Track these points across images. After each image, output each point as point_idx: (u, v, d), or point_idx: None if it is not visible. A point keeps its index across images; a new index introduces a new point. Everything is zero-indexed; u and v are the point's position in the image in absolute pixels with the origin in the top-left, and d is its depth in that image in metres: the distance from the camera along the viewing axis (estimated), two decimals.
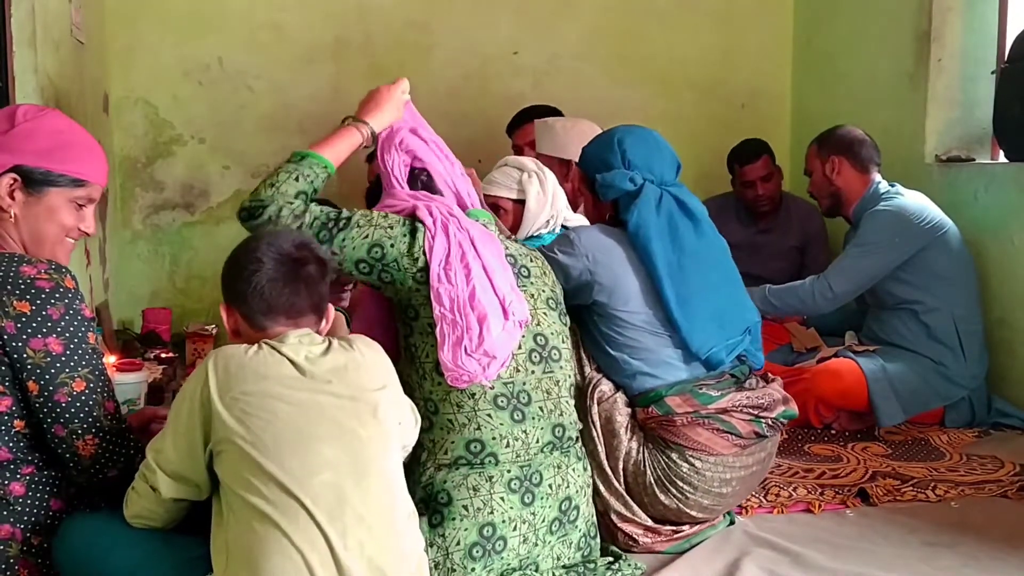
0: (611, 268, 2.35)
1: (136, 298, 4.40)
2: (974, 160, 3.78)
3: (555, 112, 3.96)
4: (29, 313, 1.73)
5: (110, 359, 3.20)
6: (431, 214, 2.09)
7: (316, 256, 1.80)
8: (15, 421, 1.77)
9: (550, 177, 2.84)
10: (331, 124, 4.78)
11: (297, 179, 2.07)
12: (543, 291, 2.20)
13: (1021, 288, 3.40)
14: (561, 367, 2.16)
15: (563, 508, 2.09)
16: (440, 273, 2.01)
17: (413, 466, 2.04)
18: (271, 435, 1.61)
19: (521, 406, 2.06)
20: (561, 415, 2.13)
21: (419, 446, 2.01)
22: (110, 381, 1.86)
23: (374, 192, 3.78)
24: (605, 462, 2.30)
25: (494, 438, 2.01)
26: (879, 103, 4.15)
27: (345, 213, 2.08)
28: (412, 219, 2.11)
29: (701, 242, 2.42)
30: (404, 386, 1.98)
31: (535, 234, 2.82)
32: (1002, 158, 3.67)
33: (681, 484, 2.29)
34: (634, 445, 2.32)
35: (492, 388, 2.03)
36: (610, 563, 2.17)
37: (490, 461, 2.01)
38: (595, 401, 2.33)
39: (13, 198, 1.82)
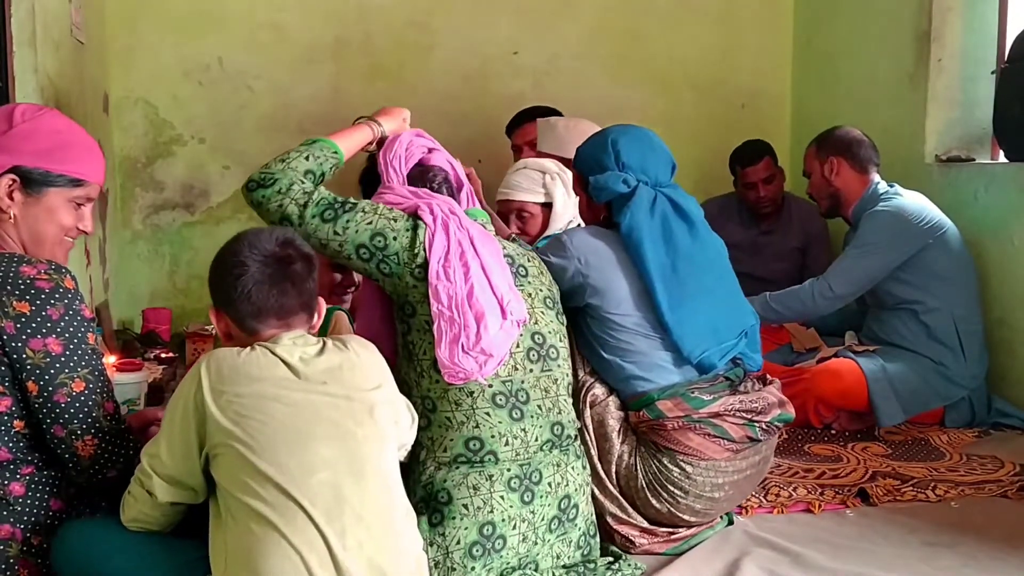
0: (603, 271, 2.34)
1: (136, 298, 4.40)
2: (974, 160, 3.78)
3: (555, 112, 3.96)
4: (29, 313, 1.74)
5: (110, 359, 3.20)
6: (432, 212, 2.10)
7: (301, 253, 1.78)
8: (15, 421, 1.77)
9: (569, 176, 2.84)
10: (331, 124, 4.78)
11: (307, 158, 2.11)
12: (540, 290, 2.21)
13: (1021, 288, 3.40)
14: (559, 365, 2.16)
15: (562, 506, 2.09)
16: (439, 270, 2.02)
17: (412, 465, 2.04)
18: (267, 436, 1.61)
19: (520, 404, 2.06)
20: (560, 413, 2.13)
21: (418, 444, 2.02)
22: (109, 382, 1.86)
23: (369, 177, 3.80)
24: (599, 465, 2.30)
25: (493, 436, 2.01)
26: (879, 103, 4.15)
27: (352, 199, 2.09)
28: (414, 216, 2.12)
29: (696, 244, 2.41)
30: (402, 384, 1.99)
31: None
32: (1002, 158, 3.66)
33: (672, 489, 2.28)
34: (626, 449, 2.32)
35: (490, 386, 2.03)
36: (610, 563, 2.17)
37: (490, 459, 2.01)
38: (588, 404, 2.33)
39: (12, 199, 1.82)
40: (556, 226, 2.87)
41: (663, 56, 4.75)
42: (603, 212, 2.48)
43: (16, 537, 1.76)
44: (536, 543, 2.04)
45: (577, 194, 2.61)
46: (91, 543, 1.74)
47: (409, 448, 1.95)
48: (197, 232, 4.50)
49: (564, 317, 2.27)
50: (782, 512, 2.58)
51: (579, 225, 2.83)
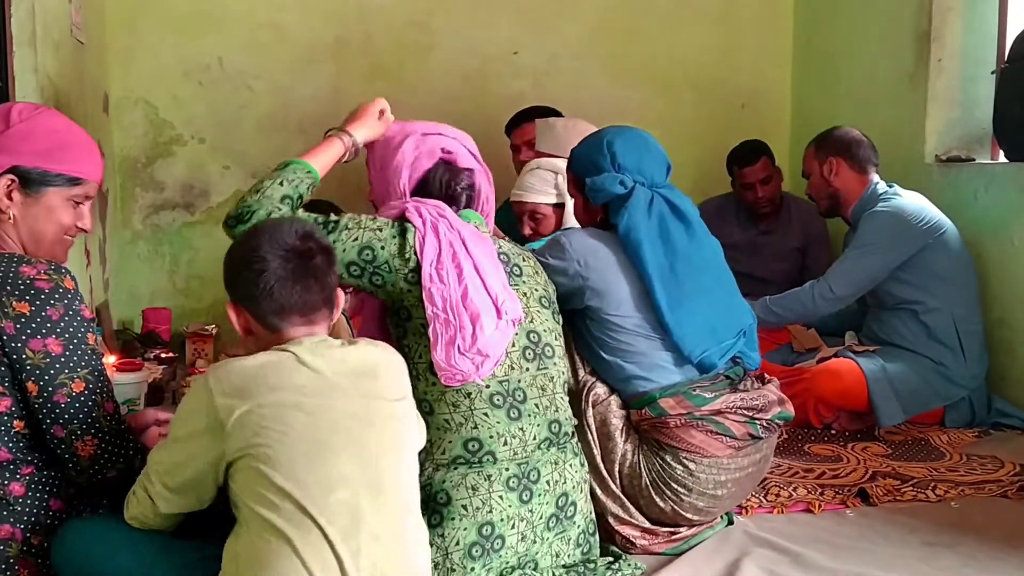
0: (602, 272, 2.34)
1: (136, 298, 4.40)
2: (974, 160, 3.78)
3: (555, 112, 3.97)
4: (28, 314, 1.73)
5: (110, 359, 3.20)
6: (420, 215, 2.09)
7: (321, 246, 1.74)
8: (15, 421, 1.77)
9: None
10: (331, 124, 4.78)
11: (282, 183, 2.12)
12: (536, 289, 2.20)
13: (1021, 288, 3.40)
14: (555, 363, 2.16)
15: (560, 504, 2.09)
16: (432, 273, 2.01)
17: None
18: (286, 450, 1.56)
19: (517, 404, 2.06)
20: (557, 411, 2.13)
21: None
22: (109, 382, 1.86)
23: None
24: (601, 465, 2.30)
25: (491, 436, 2.01)
26: (879, 103, 4.15)
27: (333, 217, 2.08)
28: (401, 220, 2.11)
29: (693, 244, 2.41)
30: None
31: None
32: (1002, 158, 3.66)
33: (676, 486, 2.28)
34: (629, 448, 2.32)
35: (488, 387, 2.03)
36: (610, 563, 2.17)
37: (488, 460, 2.01)
38: (590, 404, 2.33)
39: (11, 199, 1.82)
40: (570, 225, 2.87)
41: (663, 56, 4.75)
42: (599, 214, 2.48)
43: (16, 537, 1.76)
44: (535, 542, 2.04)
45: (572, 196, 2.60)
46: (92, 542, 1.73)
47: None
48: (197, 232, 4.50)
49: (560, 316, 2.27)
50: (782, 512, 2.58)
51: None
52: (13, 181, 1.82)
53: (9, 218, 1.83)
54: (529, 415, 2.07)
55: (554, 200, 2.91)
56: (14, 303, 1.73)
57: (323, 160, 2.23)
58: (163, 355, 3.82)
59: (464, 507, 1.97)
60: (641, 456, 2.31)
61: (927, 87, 3.85)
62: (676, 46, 4.76)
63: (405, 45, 4.53)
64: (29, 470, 1.79)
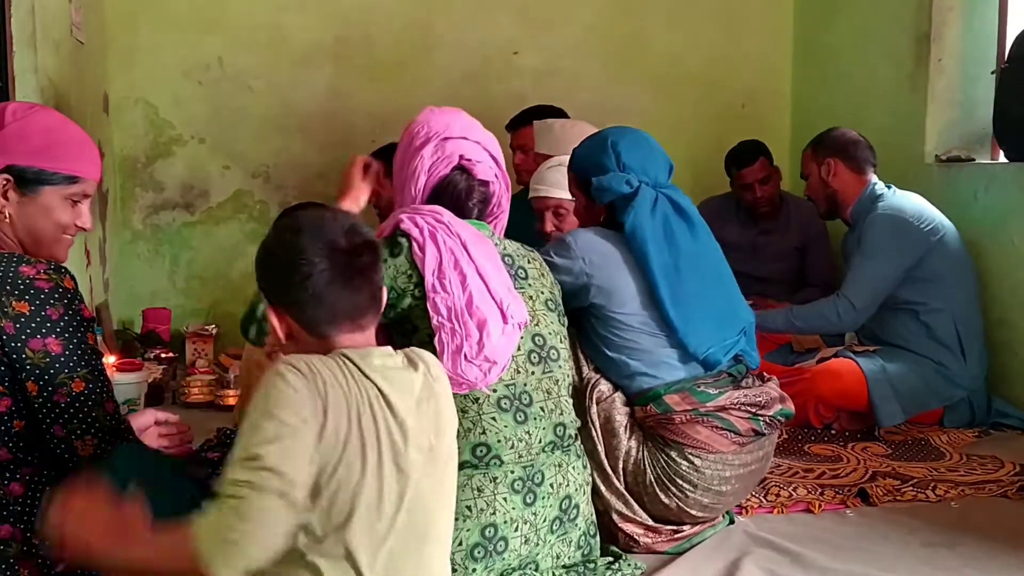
0: (607, 271, 2.35)
1: (136, 298, 4.40)
2: (974, 160, 3.77)
3: (558, 111, 3.96)
4: (28, 313, 1.73)
5: (110, 359, 3.21)
6: (416, 224, 2.04)
7: (367, 240, 1.56)
8: (15, 421, 1.77)
9: None
10: (331, 124, 4.82)
11: None
12: (542, 292, 2.19)
13: (1021, 288, 3.40)
14: (560, 366, 2.16)
15: (564, 507, 2.08)
16: (435, 283, 1.97)
17: None
18: (348, 494, 1.42)
19: (523, 407, 2.05)
20: (562, 414, 2.13)
21: None
22: (109, 381, 1.85)
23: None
24: (605, 462, 2.30)
25: (499, 441, 2.00)
26: (879, 103, 4.15)
27: None
28: (394, 235, 2.07)
29: (696, 243, 2.42)
30: None
31: None
32: (1002, 158, 3.66)
33: (681, 483, 2.29)
34: (633, 444, 2.32)
35: (495, 391, 2.01)
36: (610, 563, 2.17)
37: (495, 463, 2.00)
38: (594, 401, 2.33)
39: (7, 198, 1.82)
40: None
41: (663, 56, 4.75)
42: (602, 214, 2.48)
43: (16, 537, 1.75)
44: (537, 544, 2.04)
45: (573, 195, 2.60)
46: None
47: None
48: (197, 232, 4.50)
49: (565, 319, 2.26)
50: (782, 512, 2.58)
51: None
52: (8, 181, 1.81)
53: (6, 218, 1.82)
54: (535, 418, 2.06)
55: (570, 197, 2.91)
56: (14, 303, 1.72)
57: None
58: (163, 355, 3.82)
59: (468, 508, 1.97)
60: (646, 453, 2.31)
61: (927, 87, 3.85)
62: (676, 46, 4.76)
63: (405, 45, 4.53)
64: (29, 470, 1.79)
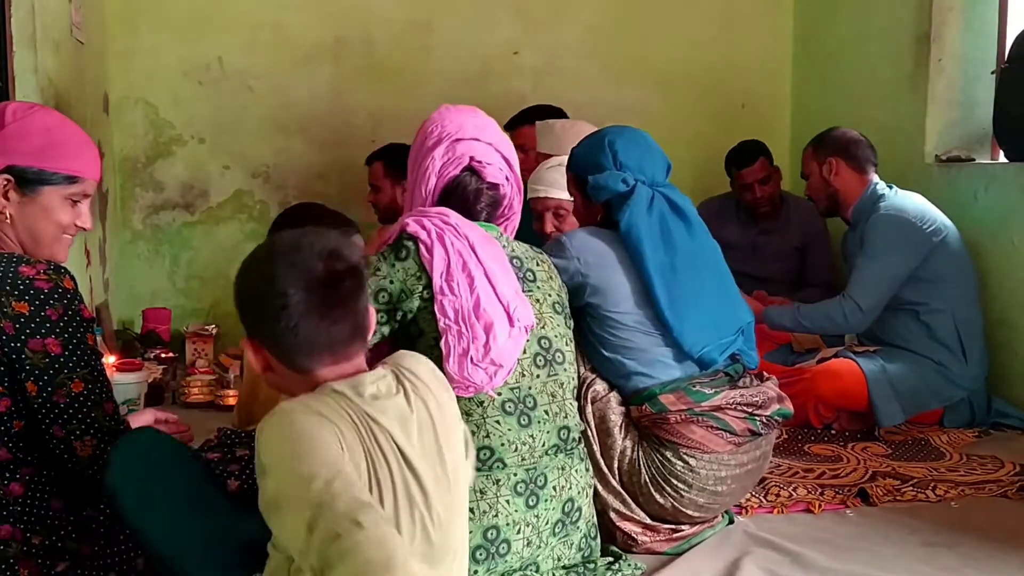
0: (603, 270, 2.35)
1: (136, 298, 4.41)
2: (974, 160, 3.77)
3: (557, 111, 3.96)
4: (28, 314, 1.73)
5: (110, 359, 3.21)
6: (424, 227, 2.03)
7: (349, 265, 1.45)
8: (14, 421, 1.77)
9: None
10: (331, 124, 4.81)
11: None
12: (549, 295, 2.18)
13: (1021, 288, 3.40)
14: (565, 369, 2.15)
15: (566, 510, 2.08)
16: (443, 285, 1.97)
17: None
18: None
19: (527, 410, 2.04)
20: (566, 417, 2.12)
21: None
22: (109, 382, 1.85)
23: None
24: (601, 461, 2.30)
25: (503, 444, 2.00)
26: (879, 103, 4.15)
27: None
28: (400, 239, 2.05)
29: (693, 243, 2.41)
30: None
31: None
32: (1002, 158, 3.66)
33: (676, 483, 2.29)
34: (628, 444, 2.32)
35: (500, 395, 2.01)
36: (610, 563, 2.17)
37: (498, 466, 1.99)
38: (589, 400, 2.33)
39: (7, 199, 1.82)
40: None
41: (663, 56, 4.75)
42: (600, 212, 2.48)
43: (16, 537, 1.75)
44: (539, 546, 2.03)
45: (571, 194, 2.60)
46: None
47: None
48: (197, 232, 4.50)
49: (572, 321, 2.26)
50: (782, 512, 2.58)
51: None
52: (9, 181, 1.81)
53: (7, 218, 1.82)
54: (539, 421, 2.05)
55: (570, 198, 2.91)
56: (13, 303, 1.72)
57: None
58: (163, 355, 3.82)
59: (471, 510, 1.96)
60: (641, 452, 2.31)
61: (927, 87, 3.85)
62: (676, 46, 4.76)
63: (405, 45, 4.53)
64: (29, 470, 1.79)
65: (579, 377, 2.35)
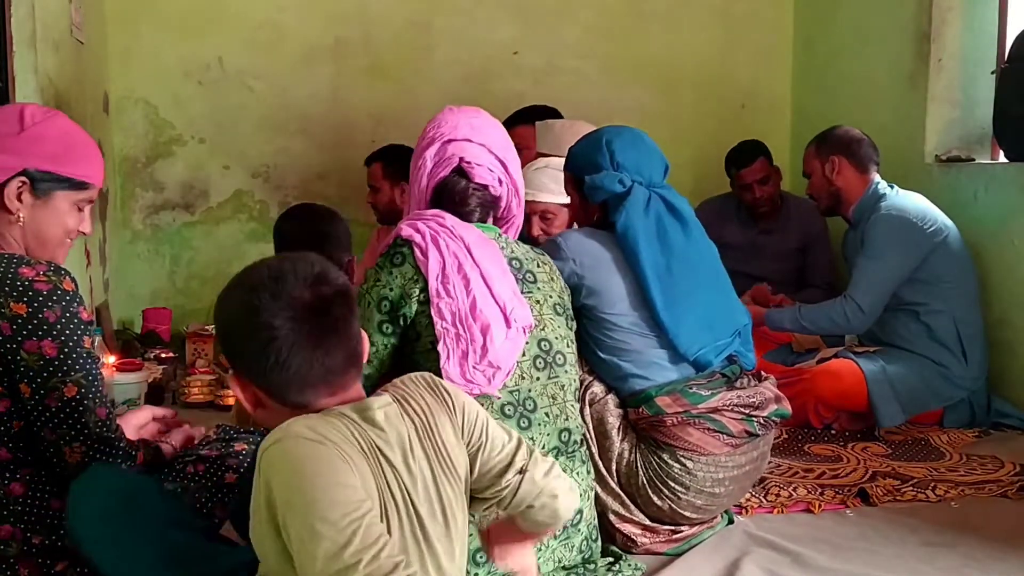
0: (598, 271, 2.34)
1: (136, 298, 4.41)
2: (974, 160, 3.77)
3: (552, 111, 3.96)
4: (25, 315, 1.72)
5: (110, 359, 3.21)
6: (418, 230, 2.03)
7: (337, 290, 1.37)
8: (14, 422, 1.76)
9: None
10: (331, 124, 4.82)
11: None
12: (550, 296, 2.17)
13: (1021, 288, 3.40)
14: (566, 371, 2.14)
15: None
16: (439, 288, 1.96)
17: None
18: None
19: (527, 413, 2.04)
20: (567, 419, 2.12)
21: None
22: (104, 386, 1.83)
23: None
24: (600, 463, 2.29)
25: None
26: (879, 103, 4.15)
27: None
28: (394, 245, 2.05)
29: (689, 244, 2.41)
30: None
31: None
32: (1002, 158, 3.66)
33: (673, 485, 2.28)
34: (626, 446, 2.32)
35: (499, 398, 2.00)
36: (610, 564, 2.17)
37: None
38: (587, 403, 2.32)
39: (21, 201, 1.83)
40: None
41: (663, 56, 4.75)
42: (597, 213, 2.47)
43: (16, 537, 1.75)
44: (540, 548, 2.03)
45: (568, 195, 2.59)
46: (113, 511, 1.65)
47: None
48: (197, 232, 4.50)
49: (574, 323, 2.25)
50: (782, 512, 2.58)
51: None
52: (24, 183, 1.82)
53: (18, 220, 1.83)
54: (539, 424, 2.05)
55: (566, 200, 2.90)
56: (12, 304, 1.72)
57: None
58: (163, 355, 3.82)
59: (471, 514, 1.96)
60: (638, 455, 2.31)
61: (927, 87, 3.85)
62: (676, 46, 4.76)
63: (405, 45, 4.53)
64: (29, 470, 1.79)
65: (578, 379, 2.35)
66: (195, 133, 4.44)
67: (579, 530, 2.11)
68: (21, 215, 1.83)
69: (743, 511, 2.54)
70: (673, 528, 2.33)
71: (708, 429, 2.28)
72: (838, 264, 4.09)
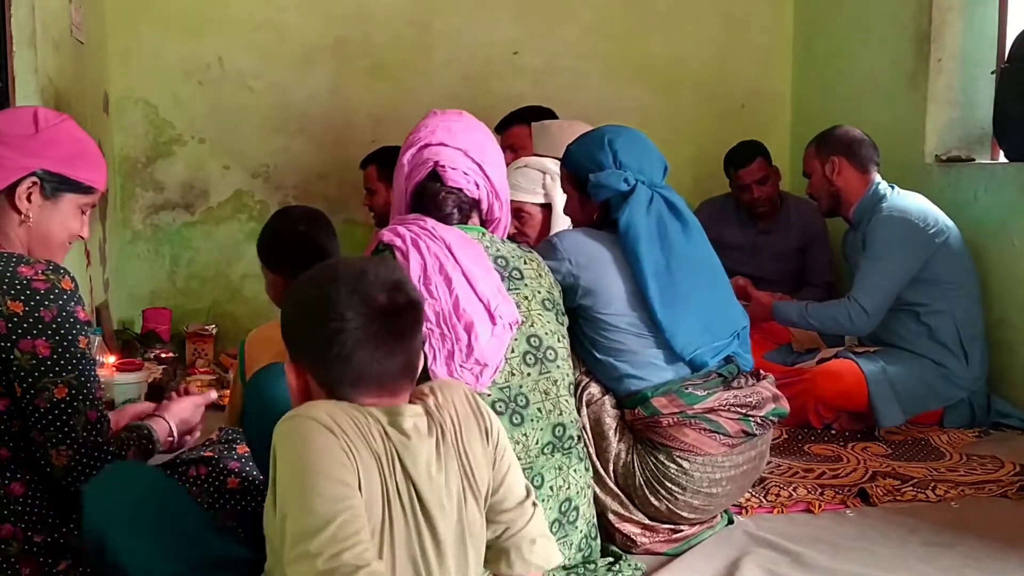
0: (595, 271, 2.33)
1: (136, 298, 4.41)
2: (974, 160, 3.77)
3: (547, 111, 3.96)
4: (21, 314, 1.72)
5: (110, 359, 3.21)
6: (398, 234, 2.05)
7: (410, 299, 1.41)
8: (14, 421, 1.76)
9: None
10: (331, 124, 4.82)
11: None
12: (539, 292, 2.18)
13: (1021, 288, 3.40)
14: (558, 366, 2.15)
15: (563, 509, 2.08)
16: (421, 289, 1.96)
17: None
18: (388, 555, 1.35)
19: (519, 409, 2.04)
20: (561, 414, 2.12)
21: None
22: (98, 389, 1.82)
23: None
24: (597, 463, 2.29)
25: None
26: (879, 103, 4.15)
27: None
28: (376, 250, 2.07)
29: (689, 244, 2.40)
30: None
31: None
32: (1002, 158, 3.66)
33: (670, 485, 2.28)
34: (623, 447, 2.32)
35: (489, 395, 2.01)
36: (610, 563, 2.17)
37: None
38: (584, 404, 2.33)
39: (30, 201, 1.84)
40: (558, 227, 2.86)
41: (663, 56, 4.75)
42: (596, 211, 2.46)
43: (17, 536, 1.75)
44: None
45: (567, 193, 2.57)
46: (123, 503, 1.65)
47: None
48: (197, 232, 4.50)
49: (565, 318, 2.26)
50: (782, 512, 2.58)
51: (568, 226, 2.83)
52: (35, 184, 1.83)
53: (28, 220, 1.84)
54: (532, 420, 2.06)
55: (541, 200, 2.89)
56: (8, 302, 1.71)
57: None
58: (163, 355, 3.82)
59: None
60: (635, 455, 2.31)
61: (927, 87, 3.85)
62: (676, 46, 4.76)
63: (405, 45, 4.53)
64: (29, 469, 1.78)
65: (575, 380, 2.35)
66: (195, 133, 4.44)
67: (577, 527, 2.11)
68: (29, 215, 1.84)
69: (743, 511, 2.55)
70: (673, 528, 2.33)
71: (704, 429, 2.28)
72: (838, 264, 4.09)
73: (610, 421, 2.33)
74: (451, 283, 1.98)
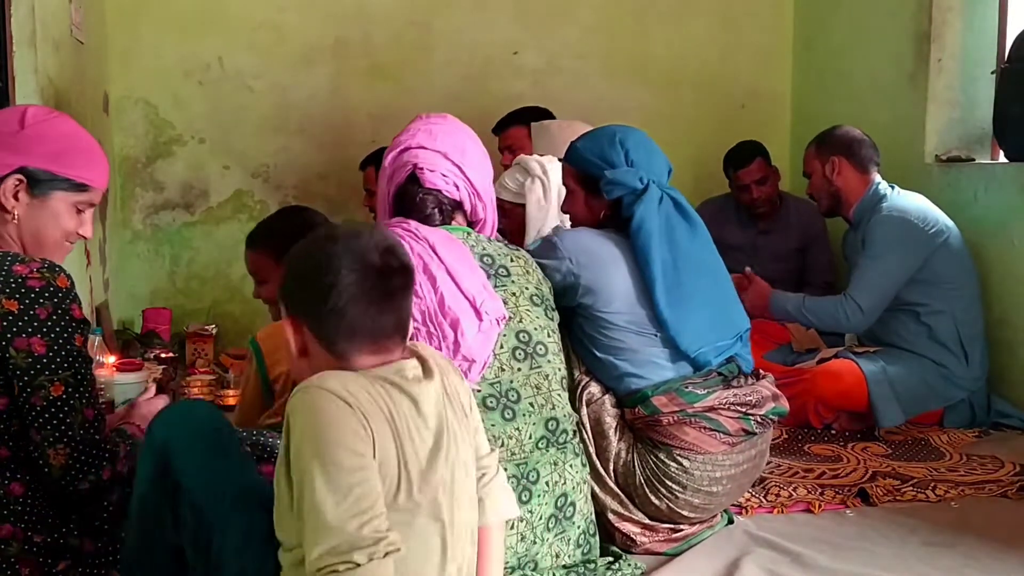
0: (595, 270, 2.33)
1: (136, 298, 4.41)
2: (974, 160, 3.78)
3: (544, 112, 3.96)
4: (16, 312, 1.71)
5: (110, 359, 3.20)
6: None
7: (402, 264, 1.50)
8: (13, 420, 1.76)
9: (555, 183, 2.82)
10: (331, 124, 4.82)
11: None
12: (526, 288, 2.18)
13: (1021, 288, 3.40)
14: (549, 361, 2.15)
15: (559, 505, 2.08)
16: None
17: None
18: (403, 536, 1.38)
19: (511, 404, 2.05)
20: (553, 408, 2.12)
21: None
22: (94, 386, 1.81)
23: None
24: (597, 463, 2.30)
25: (488, 439, 2.00)
26: (879, 103, 4.15)
27: None
28: None
29: (695, 244, 2.41)
30: None
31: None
32: (1002, 158, 3.66)
33: (670, 484, 2.28)
34: (623, 446, 2.32)
35: (479, 391, 2.02)
36: (610, 563, 2.17)
37: None
38: (584, 403, 2.33)
39: (17, 199, 1.82)
40: (530, 229, 2.86)
41: (663, 56, 4.75)
42: (603, 209, 2.45)
43: (17, 536, 1.75)
44: (535, 542, 2.04)
45: (572, 190, 2.54)
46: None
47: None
48: (197, 232, 4.50)
49: (555, 312, 2.26)
50: (782, 512, 2.58)
51: (559, 225, 2.82)
52: (21, 181, 1.82)
53: (13, 218, 1.83)
54: (524, 414, 2.06)
55: (511, 198, 2.90)
56: (3, 300, 1.70)
57: None
58: (163, 355, 3.82)
59: None
60: (635, 454, 2.31)
61: (927, 87, 3.85)
62: (676, 46, 4.76)
63: (405, 45, 4.53)
64: (29, 469, 1.78)
65: (575, 379, 2.35)
66: (195, 133, 4.44)
67: (574, 523, 2.11)
68: (17, 213, 1.82)
69: (743, 511, 2.55)
70: (673, 527, 2.33)
71: (705, 428, 2.28)
72: (838, 264, 4.09)
73: (610, 420, 2.33)
74: (435, 281, 1.99)
